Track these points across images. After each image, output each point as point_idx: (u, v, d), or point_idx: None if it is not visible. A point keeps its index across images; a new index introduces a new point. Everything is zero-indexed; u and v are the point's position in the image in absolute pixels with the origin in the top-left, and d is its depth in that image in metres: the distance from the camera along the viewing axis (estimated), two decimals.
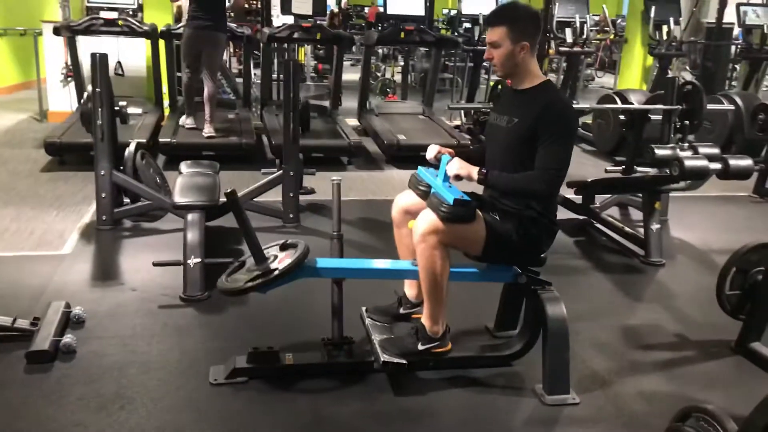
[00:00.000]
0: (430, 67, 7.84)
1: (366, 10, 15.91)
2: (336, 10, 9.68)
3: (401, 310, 3.01)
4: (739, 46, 9.07)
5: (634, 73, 9.16)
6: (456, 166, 2.58)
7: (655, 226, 4.20)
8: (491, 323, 3.23)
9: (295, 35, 6.90)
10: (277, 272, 2.51)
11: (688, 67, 9.93)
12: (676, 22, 8.52)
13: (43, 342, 2.79)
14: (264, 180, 4.55)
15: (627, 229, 4.51)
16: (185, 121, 6.50)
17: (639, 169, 5.58)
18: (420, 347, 2.67)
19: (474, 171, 2.58)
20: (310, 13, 6.95)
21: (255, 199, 4.53)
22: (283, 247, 2.71)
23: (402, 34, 7.10)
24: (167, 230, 4.32)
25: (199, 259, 3.44)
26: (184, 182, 3.98)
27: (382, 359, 2.64)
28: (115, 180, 4.29)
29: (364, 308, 3.07)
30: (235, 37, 7.14)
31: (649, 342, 3.22)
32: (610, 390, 2.79)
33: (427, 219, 2.51)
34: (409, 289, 3.02)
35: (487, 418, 2.58)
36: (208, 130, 6.20)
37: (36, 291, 3.40)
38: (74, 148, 5.73)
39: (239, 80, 8.42)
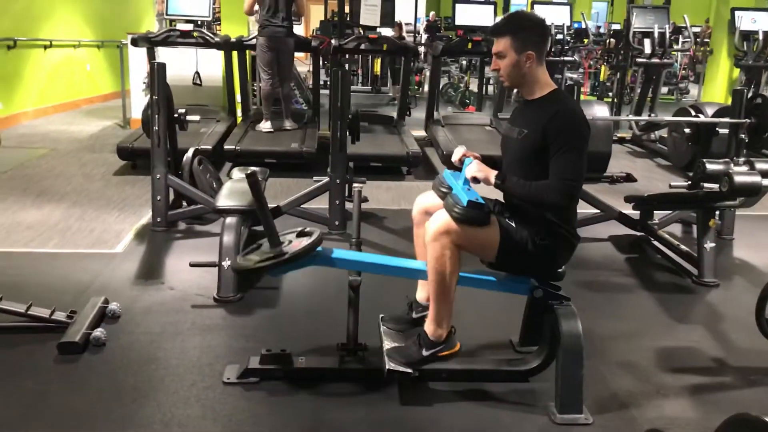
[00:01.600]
0: (479, 79, 7.75)
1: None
2: (401, 21, 9.80)
3: (414, 315, 2.99)
4: None
5: (718, 86, 8.72)
6: (474, 168, 2.57)
7: (709, 245, 3.99)
8: (516, 337, 3.16)
9: (362, 46, 6.99)
10: (287, 255, 2.55)
11: None
12: (766, 33, 8.05)
13: (75, 334, 2.94)
14: (311, 187, 4.63)
15: (683, 247, 4.30)
16: (263, 125, 6.82)
17: (706, 185, 5.33)
18: (425, 353, 2.65)
19: (492, 174, 2.55)
20: (377, 24, 7.04)
21: (303, 206, 4.62)
22: (300, 234, 2.75)
23: (469, 45, 7.07)
24: (217, 233, 4.45)
25: None
26: (230, 187, 4.11)
27: (387, 367, 2.64)
28: (171, 184, 4.48)
29: (381, 315, 3.08)
30: (302, 47, 7.33)
31: (681, 365, 3.05)
32: (628, 413, 2.66)
33: (441, 219, 2.50)
34: (422, 292, 2.99)
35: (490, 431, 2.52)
36: (267, 126, 6.86)
37: (82, 286, 3.59)
38: (145, 153, 6.00)
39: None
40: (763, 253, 4.59)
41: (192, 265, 3.60)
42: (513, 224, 2.57)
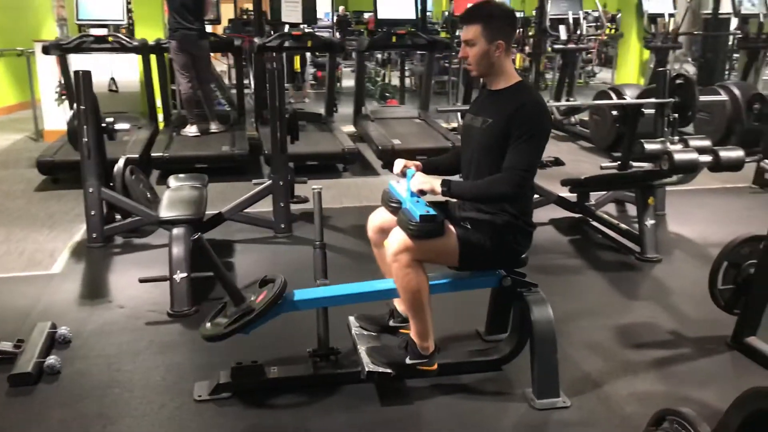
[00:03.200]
0: (424, 70, 7.81)
1: (366, 16, 15.86)
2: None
3: (391, 323, 2.96)
4: (736, 36, 8.97)
5: (631, 68, 9.09)
6: (419, 180, 2.53)
7: (649, 222, 4.14)
8: (482, 327, 3.19)
9: (286, 44, 6.88)
10: (255, 312, 2.47)
11: (690, 59, 9.85)
12: (671, 15, 8.43)
13: (26, 364, 2.76)
14: (253, 191, 4.52)
15: (622, 225, 4.45)
16: (189, 130, 6.63)
17: (635, 164, 5.54)
18: (408, 361, 2.61)
19: (437, 184, 2.51)
20: (300, 21, 6.93)
21: (246, 210, 4.51)
22: (262, 284, 2.67)
23: (394, 39, 7.07)
24: (158, 245, 4.29)
25: (185, 274, 3.41)
26: (170, 196, 3.96)
27: (368, 369, 2.59)
28: (104, 197, 4.27)
29: (351, 317, 3.03)
30: (223, 47, 7.16)
31: (643, 341, 3.16)
32: (602, 392, 2.73)
33: (397, 238, 2.46)
34: (400, 303, 2.96)
35: (476, 425, 2.52)
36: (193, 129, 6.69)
37: (23, 312, 3.37)
38: (67, 167, 5.70)
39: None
40: (694, 226, 4.81)
41: (142, 280, 3.45)
42: (468, 226, 2.56)
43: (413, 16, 7.33)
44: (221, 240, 4.41)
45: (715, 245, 4.39)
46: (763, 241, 2.92)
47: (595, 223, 4.74)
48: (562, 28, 8.01)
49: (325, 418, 2.54)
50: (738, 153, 3.59)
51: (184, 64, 6.43)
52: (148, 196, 4.66)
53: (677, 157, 3.53)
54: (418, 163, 2.75)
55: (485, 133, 2.57)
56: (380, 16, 7.25)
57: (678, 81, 4.79)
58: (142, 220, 4.33)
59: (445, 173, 2.78)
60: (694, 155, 3.55)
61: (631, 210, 5.05)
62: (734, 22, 9.40)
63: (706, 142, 3.79)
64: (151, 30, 7.51)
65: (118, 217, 4.55)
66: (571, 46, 7.97)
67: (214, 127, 6.80)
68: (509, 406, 2.63)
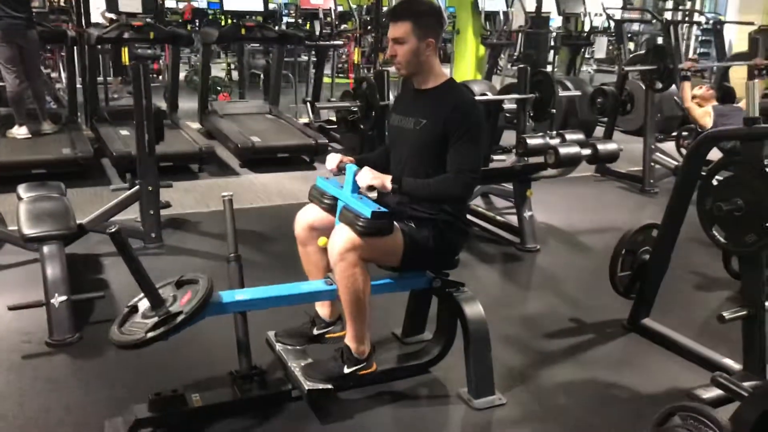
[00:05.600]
0: (273, 64, 7.57)
1: (180, 6, 15.00)
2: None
3: (315, 331, 2.80)
4: (558, 33, 9.67)
5: (468, 63, 9.47)
6: (368, 176, 2.42)
7: (527, 214, 4.32)
8: (397, 329, 3.12)
9: (125, 35, 6.32)
10: (183, 316, 2.20)
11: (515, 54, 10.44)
12: (505, 13, 8.90)
13: None
14: (118, 198, 4.09)
15: (498, 218, 4.60)
16: (18, 131, 5.87)
17: (495, 157, 5.77)
18: (346, 370, 2.49)
19: (387, 180, 2.43)
20: (139, 10, 6.39)
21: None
22: (179, 285, 2.40)
23: (243, 31, 6.77)
24: (10, 265, 3.76)
25: (65, 297, 2.99)
26: (29, 209, 3.47)
27: (307, 387, 2.44)
28: None
29: (271, 333, 2.84)
30: (54, 38, 6.45)
31: (550, 330, 3.27)
32: (530, 385, 2.79)
33: (344, 235, 2.33)
34: (322, 307, 2.81)
35: (422, 431, 2.47)
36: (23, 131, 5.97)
37: None
38: None
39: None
40: (559, 214, 5.07)
41: (12, 308, 2.97)
42: (412, 225, 2.50)
43: (261, 8, 7.06)
44: (83, 254, 3.93)
45: (582, 232, 4.74)
46: (656, 229, 3.15)
47: (469, 217, 4.85)
48: None
49: None
50: (613, 145, 3.84)
51: (10, 57, 5.67)
52: None
53: (562, 151, 3.70)
54: (352, 158, 2.63)
55: (420, 134, 2.51)
56: (227, 7, 6.90)
57: (537, 77, 5.03)
58: None
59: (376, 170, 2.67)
60: (576, 149, 3.74)
61: (498, 202, 5.26)
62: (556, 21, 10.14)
63: (581, 136, 4.01)
64: None
65: None
66: None
67: (47, 127, 6.09)
68: (449, 409, 2.60)
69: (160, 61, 10.18)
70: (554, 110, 4.44)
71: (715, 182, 2.75)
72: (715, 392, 2.54)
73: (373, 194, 2.43)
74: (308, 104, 7.32)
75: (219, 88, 10.40)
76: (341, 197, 2.50)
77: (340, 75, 11.83)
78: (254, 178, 5.91)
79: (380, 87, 4.53)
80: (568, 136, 3.94)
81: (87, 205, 4.63)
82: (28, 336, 2.99)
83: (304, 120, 7.73)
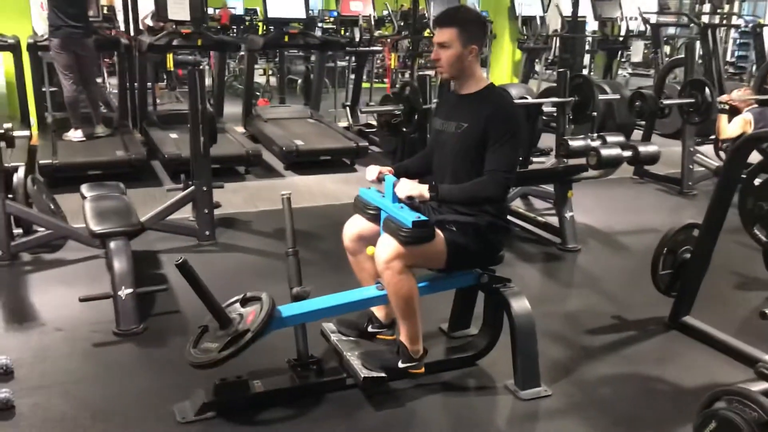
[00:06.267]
0: (315, 70, 7.76)
1: (216, 11, 15.31)
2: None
3: (369, 328, 2.94)
4: (594, 37, 9.70)
5: (504, 68, 9.57)
6: (407, 187, 2.54)
7: (568, 214, 4.41)
8: (444, 324, 3.25)
9: (175, 42, 6.56)
10: (250, 335, 2.37)
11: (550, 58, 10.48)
12: (542, 17, 8.98)
13: None
14: (174, 198, 4.29)
15: (539, 218, 4.70)
16: (73, 134, 6.13)
17: (534, 159, 5.87)
18: (400, 365, 2.62)
19: (424, 189, 2.54)
20: (188, 18, 6.62)
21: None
22: (244, 303, 2.57)
23: (286, 38, 6.97)
24: (74, 260, 3.97)
25: (131, 290, 3.18)
26: (95, 207, 3.67)
27: (363, 375, 2.58)
28: (9, 210, 3.88)
29: (327, 324, 2.98)
30: (109, 45, 6.71)
31: (592, 326, 3.37)
32: (574, 378, 2.89)
33: (388, 245, 2.47)
34: (379, 309, 2.95)
35: (471, 420, 2.59)
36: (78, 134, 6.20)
37: None
38: None
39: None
40: (596, 215, 5.14)
41: (83, 299, 3.17)
42: (454, 228, 2.61)
43: (303, 15, 7.25)
44: (142, 251, 4.13)
45: (621, 233, 4.81)
46: (697, 229, 3.23)
47: (510, 218, 4.95)
48: None
49: (324, 428, 2.50)
50: (653, 147, 3.91)
51: (68, 64, 5.94)
52: (52, 207, 4.29)
53: (604, 152, 3.79)
54: (390, 168, 2.77)
55: (462, 138, 2.62)
56: (270, 14, 7.09)
57: (577, 81, 5.12)
58: (53, 233, 3.99)
59: (414, 177, 2.79)
60: (617, 150, 3.82)
61: (537, 203, 5.35)
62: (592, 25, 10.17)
63: (621, 138, 4.08)
64: (13, 23, 6.84)
65: (17, 231, 4.15)
66: None
67: (100, 130, 6.35)
68: (496, 399, 2.72)
69: (206, 67, 10.44)
70: (595, 113, 4.52)
71: (756, 182, 2.83)
72: (757, 386, 2.62)
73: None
74: (347, 108, 7.52)
75: (258, 94, 10.67)
76: (383, 207, 2.63)
77: (377, 80, 12.04)
78: (298, 179, 6.09)
79: (422, 91, 4.66)
80: (609, 138, 4.01)
81: (141, 205, 4.81)
82: (96, 326, 3.18)
83: (344, 124, 7.91)
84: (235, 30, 13.19)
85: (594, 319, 3.44)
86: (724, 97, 5.65)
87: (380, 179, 2.74)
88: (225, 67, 7.62)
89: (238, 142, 6.37)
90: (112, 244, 3.32)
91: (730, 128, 5.40)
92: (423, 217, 2.48)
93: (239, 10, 14.67)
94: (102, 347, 3.03)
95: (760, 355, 2.94)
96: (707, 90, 5.59)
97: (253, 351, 2.96)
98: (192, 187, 4.32)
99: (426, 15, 8.48)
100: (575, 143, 4.05)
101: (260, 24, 12.72)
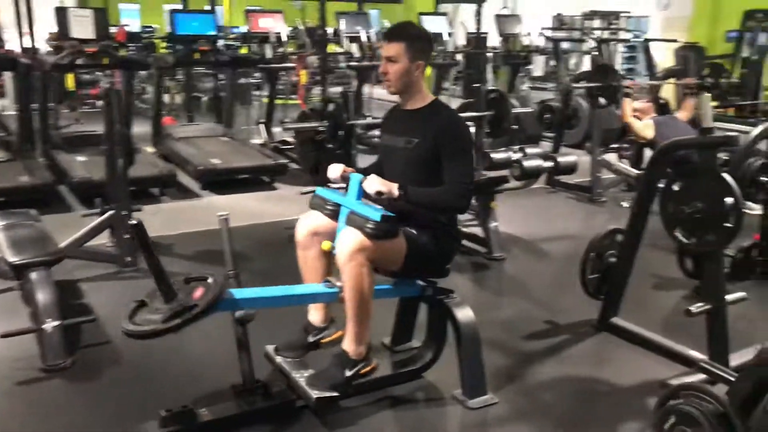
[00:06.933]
0: (227, 88, 7.63)
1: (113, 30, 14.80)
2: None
3: (310, 338, 2.90)
4: (497, 53, 10.01)
5: None
6: (377, 182, 2.58)
7: (493, 224, 4.53)
8: (386, 339, 3.25)
9: (79, 62, 6.28)
10: (200, 308, 2.29)
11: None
12: (450, 34, 9.21)
13: None
14: (93, 223, 4.11)
15: (464, 229, 4.79)
16: None
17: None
18: (348, 374, 2.61)
19: (394, 187, 2.59)
20: (93, 36, 6.36)
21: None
22: (187, 281, 2.48)
23: (197, 55, 6.83)
24: None
25: (57, 322, 3.01)
26: (9, 236, 3.46)
27: (315, 396, 2.54)
28: None
29: (269, 347, 2.92)
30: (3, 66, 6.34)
31: (527, 332, 3.46)
32: (517, 384, 2.96)
33: (353, 238, 2.47)
34: (315, 313, 2.91)
35: None
36: None
37: None
38: None
39: None
40: (515, 224, 5.27)
41: (5, 335, 2.97)
42: (414, 231, 2.66)
43: (213, 32, 7.13)
44: (61, 281, 3.90)
45: (541, 240, 4.98)
46: (621, 234, 3.39)
47: None
48: (354, 46, 8.33)
49: None
50: (572, 158, 4.10)
51: None
52: None
53: (526, 164, 3.93)
54: (353, 168, 2.79)
55: (413, 152, 2.68)
56: (179, 32, 6.93)
57: (492, 95, 5.28)
58: None
59: None
60: (539, 162, 3.98)
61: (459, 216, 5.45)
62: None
63: (540, 150, 4.25)
64: None
65: None
66: (365, 63, 8.30)
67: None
68: (447, 411, 2.75)
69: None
70: (516, 126, 4.67)
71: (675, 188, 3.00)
72: (689, 379, 2.77)
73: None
74: (262, 125, 7.44)
75: (162, 112, 10.37)
76: (346, 204, 2.64)
77: (283, 97, 11.96)
78: (217, 199, 5.96)
79: (347, 107, 4.68)
80: (529, 150, 4.17)
81: (53, 232, 4.57)
82: (19, 363, 2.99)
83: (259, 141, 7.81)
84: (134, 48, 12.81)
85: (528, 324, 3.54)
86: (629, 83, 5.99)
87: (344, 178, 2.76)
88: (132, 87, 7.35)
89: (150, 163, 6.16)
90: (33, 275, 3.13)
91: (644, 129, 5.66)
92: (391, 213, 2.51)
93: (135, 27, 14.26)
94: (27, 385, 2.84)
95: (685, 351, 3.12)
96: (612, 75, 5.89)
97: (194, 377, 2.91)
98: (111, 212, 4.14)
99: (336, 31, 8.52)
100: (498, 156, 4.18)
101: (159, 41, 12.42)
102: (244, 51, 9.33)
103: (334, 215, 2.69)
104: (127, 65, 6.64)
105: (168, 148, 6.95)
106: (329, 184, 2.87)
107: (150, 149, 7.27)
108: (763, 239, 3.92)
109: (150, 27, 14.15)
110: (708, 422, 1.60)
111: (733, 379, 2.22)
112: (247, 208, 5.72)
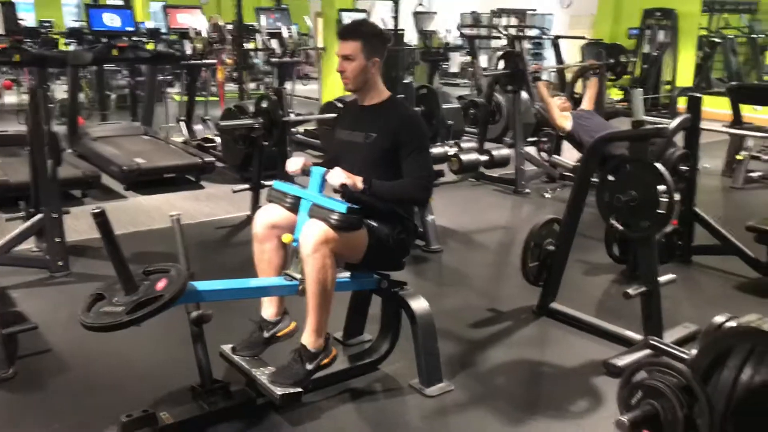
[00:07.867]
0: (147, 85, 7.40)
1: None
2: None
3: (265, 334, 2.89)
4: (417, 50, 10.18)
5: (335, 80, 9.73)
6: (342, 175, 2.60)
7: (430, 218, 4.63)
8: (337, 333, 3.28)
9: None
10: (165, 299, 2.24)
11: None
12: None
13: None
14: (21, 227, 3.93)
15: None
16: None
17: None
18: (309, 367, 2.62)
19: (358, 180, 2.62)
20: (1, 32, 6.04)
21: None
22: (147, 273, 2.44)
23: (115, 51, 6.60)
24: None
25: None
26: None
27: (279, 393, 2.54)
28: None
29: (225, 347, 2.89)
30: None
31: (472, 320, 3.58)
32: (470, 370, 3.07)
33: (318, 229, 2.50)
34: (269, 308, 2.87)
35: (389, 423, 2.68)
36: None
37: None
38: None
39: None
40: (447, 217, 5.39)
41: None
42: (375, 224, 2.70)
43: (132, 27, 6.92)
44: None
45: (473, 232, 5.13)
46: (558, 224, 3.56)
47: None
48: (274, 42, 8.28)
49: None
50: (506, 151, 4.25)
51: None
52: None
53: (464, 158, 4.05)
54: (314, 161, 2.81)
55: (371, 148, 2.72)
56: (95, 27, 6.69)
57: (422, 91, 5.39)
58: None
59: None
60: (476, 155, 4.10)
61: None
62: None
63: (473, 144, 4.38)
64: None
65: None
66: (286, 59, 8.27)
67: None
68: (406, 399, 2.81)
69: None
70: (451, 122, 4.79)
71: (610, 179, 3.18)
72: (629, 358, 2.96)
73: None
74: (182, 123, 7.28)
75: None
76: (307, 196, 2.66)
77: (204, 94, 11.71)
78: (143, 200, 5.80)
79: (281, 104, 4.67)
80: (464, 145, 4.30)
81: None
82: None
83: (180, 139, 7.64)
84: (31, 44, 12.20)
85: (472, 313, 3.66)
86: (533, 66, 6.22)
87: (304, 171, 2.77)
88: (47, 84, 7.01)
89: (71, 164, 5.91)
90: None
91: (562, 120, 5.86)
92: (355, 206, 2.54)
93: (30, 22, 13.58)
94: None
95: (621, 331, 3.31)
96: (520, 63, 6.11)
97: (146, 381, 2.86)
98: (39, 215, 3.97)
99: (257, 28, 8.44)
100: (434, 150, 4.28)
101: (58, 37, 11.88)
102: (150, 47, 9.10)
103: (293, 208, 2.70)
104: (41, 62, 6.33)
105: (86, 148, 6.69)
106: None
107: (66, 150, 6.98)
108: (681, 224, 4.21)
109: (48, 21, 13.55)
110: (673, 393, 1.74)
111: (678, 353, 2.39)
112: (175, 208, 5.56)
